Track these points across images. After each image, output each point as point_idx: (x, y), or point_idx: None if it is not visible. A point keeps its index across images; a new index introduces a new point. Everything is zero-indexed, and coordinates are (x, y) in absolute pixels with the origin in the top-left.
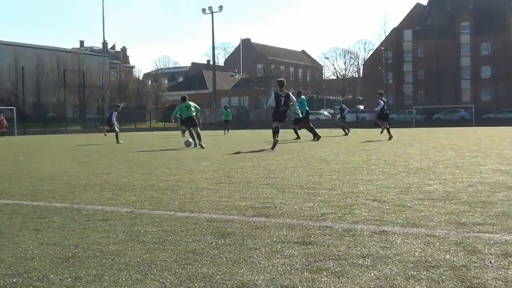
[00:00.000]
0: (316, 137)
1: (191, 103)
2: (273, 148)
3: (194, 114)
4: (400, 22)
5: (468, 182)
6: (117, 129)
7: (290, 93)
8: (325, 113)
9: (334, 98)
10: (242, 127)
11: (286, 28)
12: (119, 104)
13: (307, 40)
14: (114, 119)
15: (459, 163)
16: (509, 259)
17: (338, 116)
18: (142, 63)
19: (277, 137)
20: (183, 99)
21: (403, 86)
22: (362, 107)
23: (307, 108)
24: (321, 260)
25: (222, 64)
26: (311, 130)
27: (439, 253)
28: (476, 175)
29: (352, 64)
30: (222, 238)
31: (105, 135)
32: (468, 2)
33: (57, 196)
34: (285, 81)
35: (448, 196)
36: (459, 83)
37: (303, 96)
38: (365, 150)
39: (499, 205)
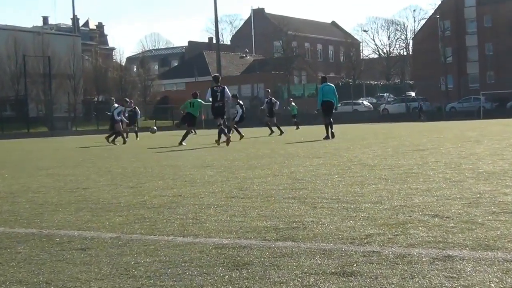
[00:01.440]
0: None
1: (199, 101)
2: (227, 143)
3: (195, 114)
4: None
5: None
6: (120, 128)
7: (225, 88)
8: (365, 103)
9: (376, 82)
10: (256, 124)
11: None
12: (128, 99)
13: (339, 8)
14: (117, 116)
15: None
16: None
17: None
18: (125, 44)
19: (230, 133)
20: (194, 95)
21: (466, 65)
22: (413, 94)
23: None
24: None
25: (229, 43)
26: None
27: None
28: None
29: (398, 39)
30: (236, 270)
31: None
32: None
33: (20, 219)
34: (220, 77)
35: None
36: None
37: (328, 84)
38: (419, 150)
39: None
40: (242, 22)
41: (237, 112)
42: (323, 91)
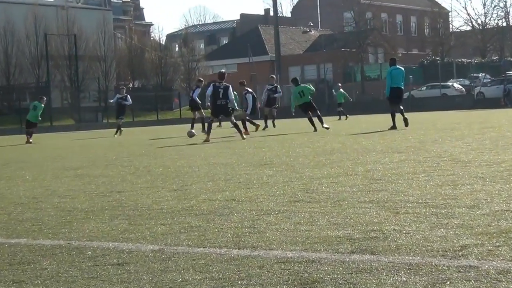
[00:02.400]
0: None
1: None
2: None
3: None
4: None
5: None
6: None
7: (230, 87)
8: (456, 85)
9: (469, 61)
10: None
11: None
12: (201, 79)
13: None
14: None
15: None
16: None
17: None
18: (165, 19)
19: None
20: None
21: None
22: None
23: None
24: None
25: (289, 15)
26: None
27: None
28: None
29: (496, 7)
30: None
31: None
32: None
33: (45, 228)
34: (225, 74)
35: None
36: None
37: (397, 67)
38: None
39: None
40: None
41: (247, 103)
42: (391, 75)
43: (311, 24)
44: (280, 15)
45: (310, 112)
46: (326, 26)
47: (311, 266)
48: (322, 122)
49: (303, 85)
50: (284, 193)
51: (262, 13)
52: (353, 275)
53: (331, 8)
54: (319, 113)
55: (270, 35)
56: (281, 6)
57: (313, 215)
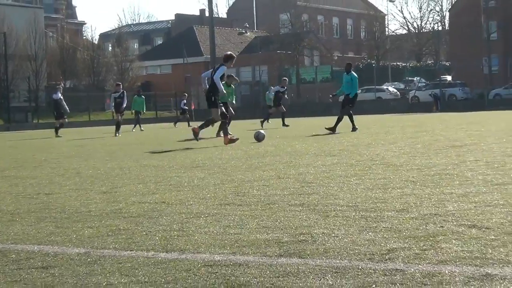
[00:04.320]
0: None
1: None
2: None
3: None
4: None
5: None
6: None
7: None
8: (391, 89)
9: (404, 64)
10: (259, 115)
11: None
12: (119, 83)
13: None
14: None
15: None
16: None
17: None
18: (98, 18)
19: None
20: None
21: None
22: (449, 78)
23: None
24: None
25: (225, 16)
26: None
27: None
28: None
29: (432, 10)
30: None
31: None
32: None
33: None
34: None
35: None
36: None
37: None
38: (455, 146)
39: None
40: None
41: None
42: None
43: (247, 25)
44: (216, 16)
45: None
46: (262, 28)
47: (238, 269)
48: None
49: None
50: (214, 196)
51: (198, 13)
52: (280, 278)
53: (267, 9)
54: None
55: (205, 36)
56: (216, 7)
57: (243, 218)
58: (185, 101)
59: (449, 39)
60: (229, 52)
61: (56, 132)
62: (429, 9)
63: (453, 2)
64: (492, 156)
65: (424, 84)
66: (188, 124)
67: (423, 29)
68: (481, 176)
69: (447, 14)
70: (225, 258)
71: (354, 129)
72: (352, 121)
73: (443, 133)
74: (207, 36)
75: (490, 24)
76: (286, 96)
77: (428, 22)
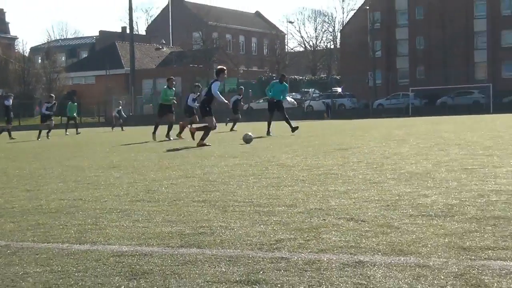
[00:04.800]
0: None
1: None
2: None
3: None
4: None
5: (478, 190)
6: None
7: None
8: (289, 99)
9: (301, 77)
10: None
11: None
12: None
13: None
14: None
15: (468, 165)
16: None
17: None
18: (29, 34)
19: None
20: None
21: (396, 60)
22: (339, 89)
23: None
24: None
25: (144, 33)
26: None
27: None
28: (489, 180)
29: (325, 31)
30: (134, 279)
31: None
32: None
33: None
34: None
35: (450, 211)
36: (471, 55)
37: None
38: (341, 149)
39: None
40: (159, 11)
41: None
42: (273, 89)
43: (164, 41)
44: (136, 33)
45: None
46: (177, 44)
47: (143, 259)
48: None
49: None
50: (127, 194)
51: (120, 30)
52: (179, 266)
53: (181, 28)
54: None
55: (126, 51)
56: (137, 24)
57: (151, 213)
58: (120, 108)
59: (340, 56)
60: (219, 66)
61: (9, 134)
62: (323, 29)
63: (344, 24)
64: (372, 158)
65: (317, 94)
66: (122, 128)
67: (318, 47)
68: (361, 175)
69: (339, 34)
70: (132, 249)
71: (294, 130)
72: (273, 123)
73: (332, 138)
74: (128, 51)
75: (375, 43)
76: (242, 103)
77: (322, 41)
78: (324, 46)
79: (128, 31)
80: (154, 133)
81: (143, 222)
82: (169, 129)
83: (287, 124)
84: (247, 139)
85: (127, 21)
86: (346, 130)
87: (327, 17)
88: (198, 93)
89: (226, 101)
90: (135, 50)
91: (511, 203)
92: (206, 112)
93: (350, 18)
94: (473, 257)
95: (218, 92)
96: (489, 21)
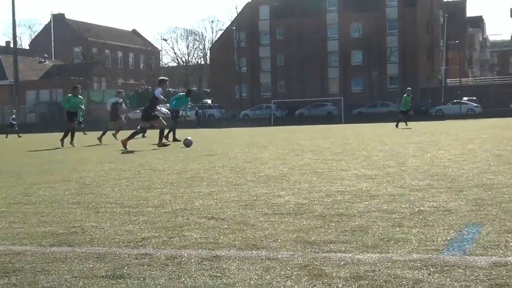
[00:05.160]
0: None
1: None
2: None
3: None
4: None
5: (326, 191)
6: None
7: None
8: (163, 109)
9: (174, 90)
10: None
11: (112, 2)
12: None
13: (140, 17)
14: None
15: (319, 169)
16: (359, 282)
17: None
18: None
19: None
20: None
21: (260, 75)
22: (209, 101)
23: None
24: None
25: (27, 47)
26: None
27: (279, 279)
28: (336, 182)
29: (196, 48)
30: (6, 277)
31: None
32: None
33: None
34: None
35: (300, 209)
36: (325, 71)
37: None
38: (209, 155)
39: (358, 218)
40: (41, 27)
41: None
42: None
43: (46, 55)
44: (20, 47)
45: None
46: (59, 58)
47: (16, 257)
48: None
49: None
50: (5, 197)
51: (4, 44)
52: (49, 264)
53: (63, 43)
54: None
55: (9, 63)
56: (20, 39)
57: (27, 215)
58: (14, 116)
59: (209, 71)
60: (160, 77)
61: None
62: (194, 47)
63: (213, 42)
64: (235, 162)
65: (189, 105)
66: (18, 135)
67: (190, 63)
68: (224, 178)
69: (208, 51)
70: (5, 248)
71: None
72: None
73: (201, 145)
74: (12, 63)
75: (241, 60)
76: (124, 107)
77: (193, 57)
78: (195, 62)
79: (12, 45)
80: (62, 139)
81: (18, 223)
82: (72, 136)
83: (171, 134)
84: (187, 143)
85: (12, 36)
86: (214, 137)
87: (198, 35)
88: (121, 100)
89: (165, 99)
90: (18, 63)
91: (353, 202)
92: (152, 116)
93: (219, 37)
94: (317, 250)
95: (161, 95)
96: (340, 42)
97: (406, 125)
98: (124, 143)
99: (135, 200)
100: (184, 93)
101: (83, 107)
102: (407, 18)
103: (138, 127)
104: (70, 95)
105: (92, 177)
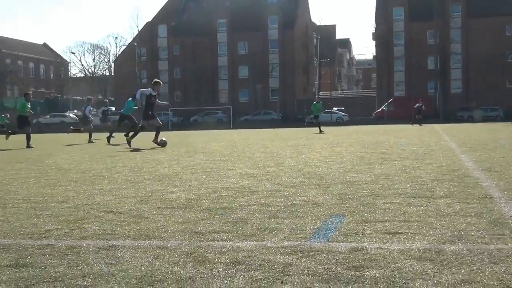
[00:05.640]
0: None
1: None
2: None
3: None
4: (154, 16)
5: (213, 187)
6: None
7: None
8: (72, 115)
9: (82, 98)
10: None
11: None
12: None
13: (50, 32)
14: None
15: (208, 168)
16: (237, 266)
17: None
18: None
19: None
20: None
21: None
22: (113, 108)
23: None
24: (33, 284)
25: None
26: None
27: (167, 266)
28: (223, 180)
29: (102, 61)
30: None
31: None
32: None
33: None
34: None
35: (189, 203)
36: (216, 84)
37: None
38: (112, 156)
39: (239, 211)
40: None
41: None
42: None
43: None
44: None
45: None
46: None
47: None
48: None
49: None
50: None
51: None
52: None
53: None
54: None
55: None
56: None
57: None
58: None
59: (114, 82)
60: (155, 79)
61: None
62: (100, 60)
63: (117, 56)
64: (135, 163)
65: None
66: None
67: (96, 74)
68: (124, 176)
69: (113, 64)
70: None
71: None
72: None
73: (106, 147)
74: None
75: (142, 72)
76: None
77: (99, 69)
78: (101, 73)
79: None
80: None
81: None
82: (28, 139)
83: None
84: (162, 143)
85: None
86: (118, 141)
87: (103, 50)
88: (108, 107)
89: (143, 104)
90: None
91: (236, 197)
92: (149, 116)
93: (122, 52)
94: (202, 239)
95: (143, 96)
96: (229, 58)
97: (320, 130)
98: (129, 141)
99: (41, 197)
100: (131, 99)
101: (31, 111)
102: (286, 39)
103: (139, 126)
104: (23, 101)
105: (2, 176)
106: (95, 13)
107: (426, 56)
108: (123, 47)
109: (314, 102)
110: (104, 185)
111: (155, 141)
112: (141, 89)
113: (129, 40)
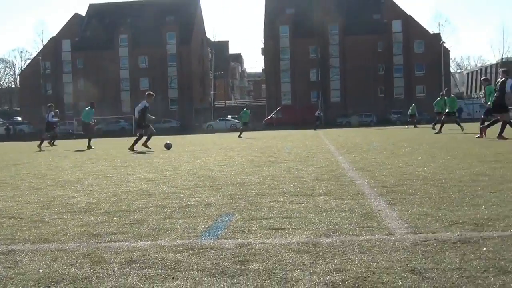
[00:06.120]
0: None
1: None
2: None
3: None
4: (59, 32)
5: (113, 192)
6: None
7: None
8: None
9: None
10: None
11: None
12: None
13: None
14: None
15: (109, 174)
16: (132, 265)
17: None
18: None
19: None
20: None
21: (64, 97)
22: (20, 118)
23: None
24: None
25: None
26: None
27: (64, 267)
28: (122, 184)
29: (8, 74)
30: None
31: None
32: (127, 15)
33: None
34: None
35: (89, 207)
36: (119, 94)
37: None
38: (16, 164)
39: (137, 213)
40: None
41: None
42: None
43: None
44: None
45: None
46: None
47: None
48: None
49: None
50: None
51: None
52: None
53: None
54: None
55: None
56: None
57: None
58: None
59: (20, 93)
60: (148, 92)
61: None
62: (6, 73)
63: (22, 69)
64: (39, 170)
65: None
66: None
67: (2, 86)
68: (27, 183)
69: (18, 77)
70: None
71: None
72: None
73: (9, 155)
74: None
75: (47, 84)
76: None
77: (5, 81)
78: (7, 86)
79: None
80: None
81: None
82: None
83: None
84: (167, 146)
85: None
86: (23, 150)
87: (9, 63)
88: (57, 111)
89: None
90: None
91: (134, 200)
92: (144, 125)
93: (27, 65)
94: (99, 241)
95: (142, 110)
96: (130, 71)
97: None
98: (131, 148)
99: None
100: (90, 107)
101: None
102: (183, 53)
103: (138, 134)
104: None
105: None
106: None
107: (309, 69)
108: (28, 61)
109: (245, 109)
110: (7, 192)
111: (144, 144)
112: (137, 107)
113: (34, 54)
